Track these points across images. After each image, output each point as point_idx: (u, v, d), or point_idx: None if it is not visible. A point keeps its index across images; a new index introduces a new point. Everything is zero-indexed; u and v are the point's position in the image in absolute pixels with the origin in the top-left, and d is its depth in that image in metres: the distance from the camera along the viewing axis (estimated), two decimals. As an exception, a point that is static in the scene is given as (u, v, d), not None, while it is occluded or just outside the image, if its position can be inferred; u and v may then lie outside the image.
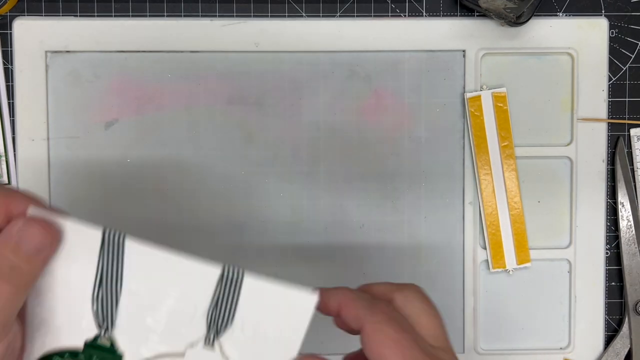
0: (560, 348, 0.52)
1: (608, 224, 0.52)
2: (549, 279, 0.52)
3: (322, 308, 0.33)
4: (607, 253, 0.52)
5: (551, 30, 0.51)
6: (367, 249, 0.51)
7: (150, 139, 0.50)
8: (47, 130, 0.50)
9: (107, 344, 0.33)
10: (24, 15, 0.50)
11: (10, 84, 0.50)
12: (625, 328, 0.52)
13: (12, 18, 0.50)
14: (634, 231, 0.52)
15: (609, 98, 0.51)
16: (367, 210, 0.51)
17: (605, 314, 0.52)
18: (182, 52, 0.50)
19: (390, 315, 0.32)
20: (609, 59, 0.51)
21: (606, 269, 0.52)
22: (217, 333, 0.33)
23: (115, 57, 0.50)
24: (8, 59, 0.50)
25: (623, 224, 0.52)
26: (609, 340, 0.52)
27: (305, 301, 0.32)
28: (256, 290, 0.32)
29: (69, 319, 0.33)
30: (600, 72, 0.51)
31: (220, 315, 0.33)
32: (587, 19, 0.51)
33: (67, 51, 0.50)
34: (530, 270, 0.51)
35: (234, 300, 0.33)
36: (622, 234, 0.52)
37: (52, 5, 0.51)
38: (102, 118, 0.50)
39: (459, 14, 0.51)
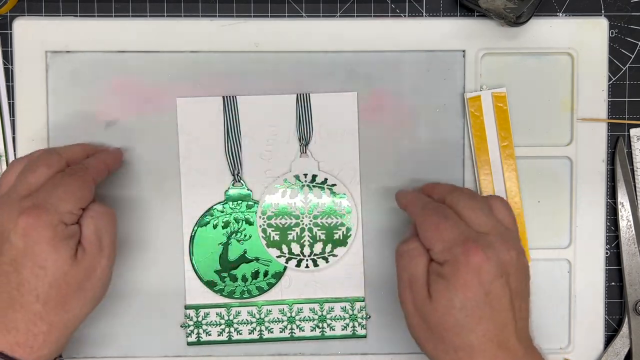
0: (560, 348, 0.52)
1: (608, 224, 0.52)
2: (549, 279, 0.51)
3: (398, 203, 0.48)
4: (607, 253, 0.52)
5: (551, 30, 0.51)
6: (368, 249, 0.51)
7: (150, 139, 0.50)
8: (47, 130, 0.50)
9: (240, 185, 0.50)
10: (24, 15, 0.50)
11: (10, 84, 0.50)
12: (625, 328, 0.52)
13: (12, 18, 0.50)
14: (633, 231, 0.52)
15: (608, 98, 0.51)
16: (368, 210, 0.51)
17: (605, 314, 0.52)
18: (182, 52, 0.50)
19: (437, 209, 0.43)
20: (609, 59, 0.51)
21: (606, 269, 0.52)
22: (307, 143, 0.50)
23: (115, 57, 0.50)
24: (8, 59, 0.50)
25: (623, 224, 0.52)
26: (608, 340, 0.52)
27: (351, 98, 0.50)
28: (320, 101, 0.50)
29: (212, 175, 0.50)
30: (600, 72, 0.51)
31: (304, 128, 0.50)
32: (587, 19, 0.51)
33: (67, 51, 0.50)
34: (530, 270, 0.51)
35: (309, 112, 0.50)
36: (622, 234, 0.52)
37: (52, 5, 0.51)
38: (102, 118, 0.50)
39: (459, 14, 0.51)
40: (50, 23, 0.50)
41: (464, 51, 0.51)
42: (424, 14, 0.51)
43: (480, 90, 0.51)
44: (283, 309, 0.51)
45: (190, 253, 0.50)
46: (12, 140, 0.51)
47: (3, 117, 0.51)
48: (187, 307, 0.51)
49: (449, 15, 0.51)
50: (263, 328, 0.51)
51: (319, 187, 0.50)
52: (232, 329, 0.51)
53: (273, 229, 0.50)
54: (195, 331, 0.51)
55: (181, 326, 0.51)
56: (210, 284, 0.50)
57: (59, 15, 0.51)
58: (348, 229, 0.50)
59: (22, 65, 0.50)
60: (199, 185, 0.50)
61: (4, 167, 0.51)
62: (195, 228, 0.50)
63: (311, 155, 0.50)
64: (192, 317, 0.51)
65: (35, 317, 0.41)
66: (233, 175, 0.50)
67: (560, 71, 0.51)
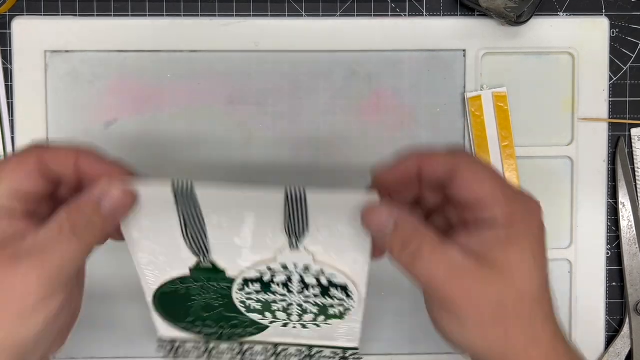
0: (561, 348, 0.52)
1: (609, 224, 0.52)
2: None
3: (401, 173, 0.35)
4: (607, 253, 0.52)
5: (552, 30, 0.51)
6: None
7: (150, 139, 0.50)
8: (46, 130, 0.50)
9: (208, 265, 0.38)
10: (24, 15, 0.50)
11: (10, 84, 0.50)
12: (626, 328, 0.52)
13: (12, 18, 0.50)
14: (634, 231, 0.51)
15: (609, 98, 0.51)
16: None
17: (606, 315, 0.52)
18: (182, 52, 0.50)
19: (477, 158, 0.34)
20: (610, 58, 0.51)
21: (607, 269, 0.52)
22: (298, 240, 0.37)
23: (115, 57, 0.50)
24: (8, 59, 0.50)
25: (624, 224, 0.52)
26: (609, 340, 0.52)
27: (362, 198, 0.34)
28: (320, 201, 0.34)
29: (169, 257, 0.38)
30: (601, 72, 0.51)
31: (295, 226, 0.36)
32: (588, 19, 0.51)
33: (67, 51, 0.50)
34: (531, 271, 0.51)
35: (304, 212, 0.35)
36: (622, 234, 0.52)
37: (52, 5, 0.50)
38: (101, 118, 0.50)
39: (459, 13, 0.51)
40: (49, 23, 0.50)
41: (464, 51, 0.51)
42: (424, 13, 0.51)
43: (481, 90, 0.51)
44: (267, 347, 0.44)
45: (156, 309, 0.42)
46: (12, 140, 0.51)
47: (2, 117, 0.51)
48: (160, 340, 0.44)
49: (449, 15, 0.51)
50: (245, 357, 0.44)
51: (313, 276, 0.38)
52: (211, 355, 0.44)
53: (254, 301, 0.40)
54: (172, 354, 0.44)
55: (157, 349, 0.45)
56: (184, 329, 0.43)
57: (58, 15, 0.51)
58: (347, 309, 0.40)
59: (22, 65, 0.50)
60: (154, 258, 0.39)
61: (3, 167, 0.50)
62: (157, 293, 0.41)
63: (304, 250, 0.37)
64: (166, 347, 0.44)
65: None
66: (198, 257, 0.38)
67: (561, 71, 0.51)
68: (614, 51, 0.51)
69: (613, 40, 0.51)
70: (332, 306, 0.40)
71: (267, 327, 0.42)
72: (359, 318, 0.41)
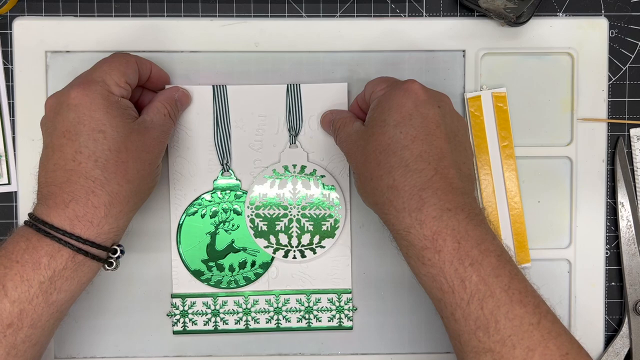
0: (560, 348, 0.52)
1: (608, 224, 0.52)
2: (549, 279, 0.51)
3: (361, 99, 0.48)
4: (607, 253, 0.52)
5: (551, 30, 0.51)
6: (367, 249, 0.51)
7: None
8: (47, 130, 0.50)
9: (228, 175, 0.50)
10: (24, 15, 0.50)
11: (10, 84, 0.50)
12: (625, 328, 0.52)
13: (12, 18, 0.50)
14: (633, 231, 0.52)
15: (608, 98, 0.51)
16: (367, 210, 0.51)
17: (605, 314, 0.52)
18: (182, 52, 0.50)
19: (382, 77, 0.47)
20: (609, 59, 0.51)
21: (606, 269, 0.52)
22: (296, 134, 0.50)
23: (115, 57, 0.50)
24: (8, 59, 0.50)
25: (623, 224, 0.52)
26: (608, 340, 0.52)
27: (341, 88, 0.50)
28: (310, 92, 0.50)
29: (198, 166, 0.50)
30: (600, 72, 0.51)
31: (294, 119, 0.50)
32: (587, 19, 0.51)
33: (67, 51, 0.50)
34: (530, 270, 0.51)
35: (299, 103, 0.50)
36: (621, 234, 0.52)
37: (52, 5, 0.51)
38: (102, 118, 0.50)
39: (459, 14, 0.51)
40: (50, 23, 0.50)
41: (464, 51, 0.51)
42: (424, 14, 0.51)
43: (480, 90, 0.51)
44: (270, 300, 0.51)
45: (178, 242, 0.50)
46: (12, 140, 0.51)
47: (3, 117, 0.51)
48: (173, 296, 0.51)
49: (449, 15, 0.51)
50: (249, 318, 0.51)
51: (307, 178, 0.50)
52: (218, 319, 0.51)
53: (261, 219, 0.50)
54: (182, 320, 0.51)
55: (167, 315, 0.51)
56: (197, 274, 0.50)
57: (59, 15, 0.51)
58: (336, 221, 0.50)
59: (22, 65, 0.50)
60: (187, 175, 0.50)
61: (4, 167, 0.51)
62: (183, 217, 0.50)
63: (300, 146, 0.50)
64: (178, 306, 0.51)
65: (95, 185, 0.40)
66: (222, 164, 0.50)
67: (560, 71, 0.51)
68: (613, 51, 0.51)
69: (612, 40, 0.51)
70: (324, 219, 0.50)
71: (271, 262, 0.50)
72: (347, 243, 0.51)
